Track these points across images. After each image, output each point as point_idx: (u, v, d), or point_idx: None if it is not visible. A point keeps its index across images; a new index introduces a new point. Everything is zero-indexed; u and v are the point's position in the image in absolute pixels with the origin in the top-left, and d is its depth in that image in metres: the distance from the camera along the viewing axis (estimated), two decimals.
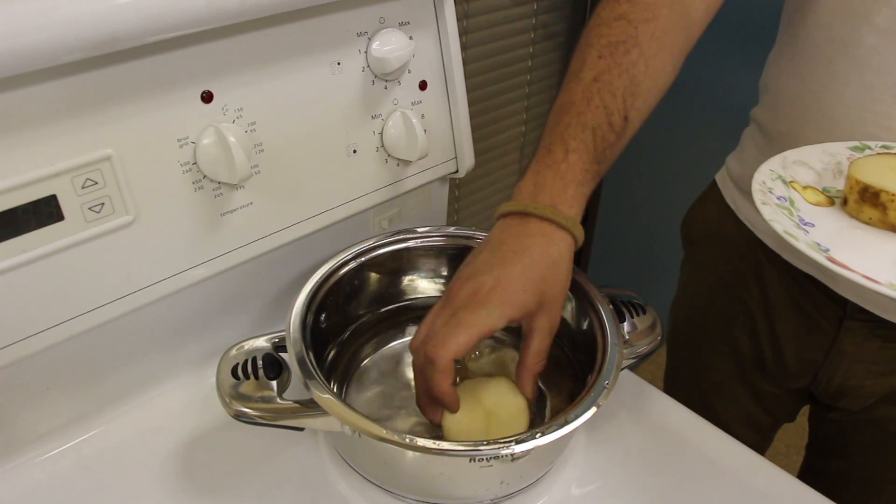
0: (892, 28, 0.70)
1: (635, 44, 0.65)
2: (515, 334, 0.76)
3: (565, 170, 0.60)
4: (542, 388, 0.71)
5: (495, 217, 0.62)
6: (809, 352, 0.88)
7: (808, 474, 1.05)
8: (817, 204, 0.67)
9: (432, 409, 0.62)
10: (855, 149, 0.73)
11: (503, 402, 0.64)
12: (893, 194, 0.64)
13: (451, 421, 0.62)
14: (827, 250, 0.60)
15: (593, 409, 0.56)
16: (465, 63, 1.10)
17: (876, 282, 0.55)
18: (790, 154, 0.70)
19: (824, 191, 0.69)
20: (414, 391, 0.63)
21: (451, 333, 0.55)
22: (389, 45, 0.69)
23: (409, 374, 0.73)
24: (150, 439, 0.68)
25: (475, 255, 0.60)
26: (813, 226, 0.63)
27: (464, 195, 1.25)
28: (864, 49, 0.73)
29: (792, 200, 0.66)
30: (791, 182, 0.68)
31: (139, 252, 0.61)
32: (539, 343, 0.60)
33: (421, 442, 0.53)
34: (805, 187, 0.68)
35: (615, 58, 0.64)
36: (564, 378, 0.70)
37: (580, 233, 0.60)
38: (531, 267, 0.58)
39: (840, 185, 0.68)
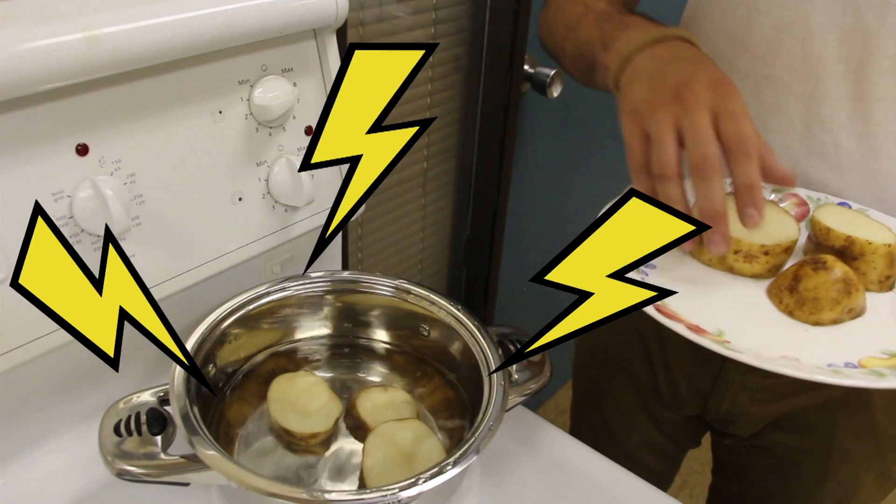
0: (757, 66, 0.74)
1: None
2: (403, 375, 0.76)
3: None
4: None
5: (632, 51, 0.71)
6: (699, 381, 0.91)
7: (714, 496, 1.08)
8: None
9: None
10: None
11: (421, 443, 0.65)
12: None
13: (371, 468, 0.63)
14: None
15: (477, 453, 0.57)
16: None
17: (703, 332, 0.58)
18: None
19: None
20: None
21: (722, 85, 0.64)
22: (272, 93, 0.69)
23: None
24: (37, 502, 0.66)
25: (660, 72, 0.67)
26: (655, 268, 0.66)
27: (366, 233, 1.25)
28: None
29: None
30: None
31: (17, 307, 0.59)
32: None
33: (306, 494, 0.53)
34: None
35: None
36: (455, 420, 0.71)
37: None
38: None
39: None
